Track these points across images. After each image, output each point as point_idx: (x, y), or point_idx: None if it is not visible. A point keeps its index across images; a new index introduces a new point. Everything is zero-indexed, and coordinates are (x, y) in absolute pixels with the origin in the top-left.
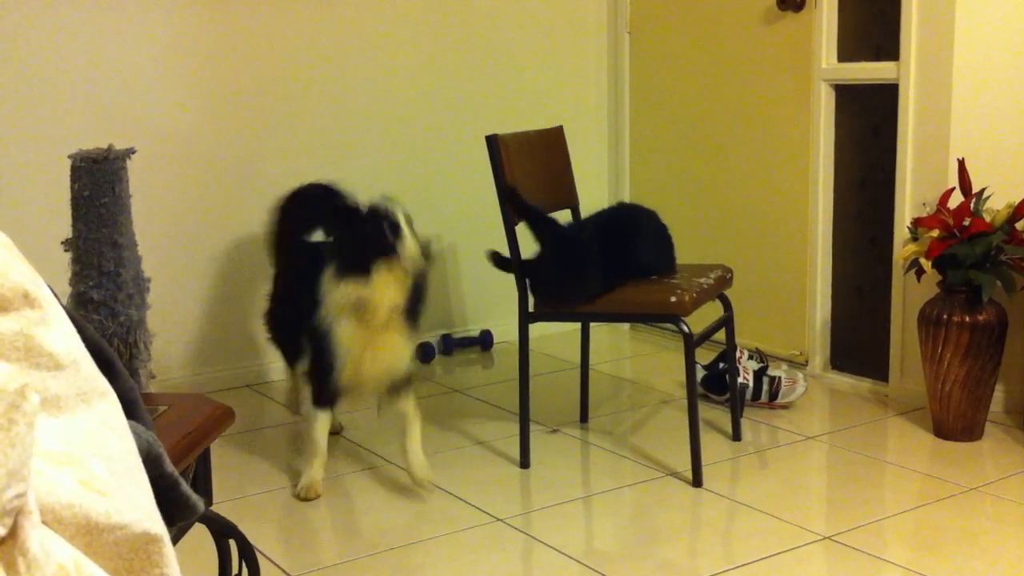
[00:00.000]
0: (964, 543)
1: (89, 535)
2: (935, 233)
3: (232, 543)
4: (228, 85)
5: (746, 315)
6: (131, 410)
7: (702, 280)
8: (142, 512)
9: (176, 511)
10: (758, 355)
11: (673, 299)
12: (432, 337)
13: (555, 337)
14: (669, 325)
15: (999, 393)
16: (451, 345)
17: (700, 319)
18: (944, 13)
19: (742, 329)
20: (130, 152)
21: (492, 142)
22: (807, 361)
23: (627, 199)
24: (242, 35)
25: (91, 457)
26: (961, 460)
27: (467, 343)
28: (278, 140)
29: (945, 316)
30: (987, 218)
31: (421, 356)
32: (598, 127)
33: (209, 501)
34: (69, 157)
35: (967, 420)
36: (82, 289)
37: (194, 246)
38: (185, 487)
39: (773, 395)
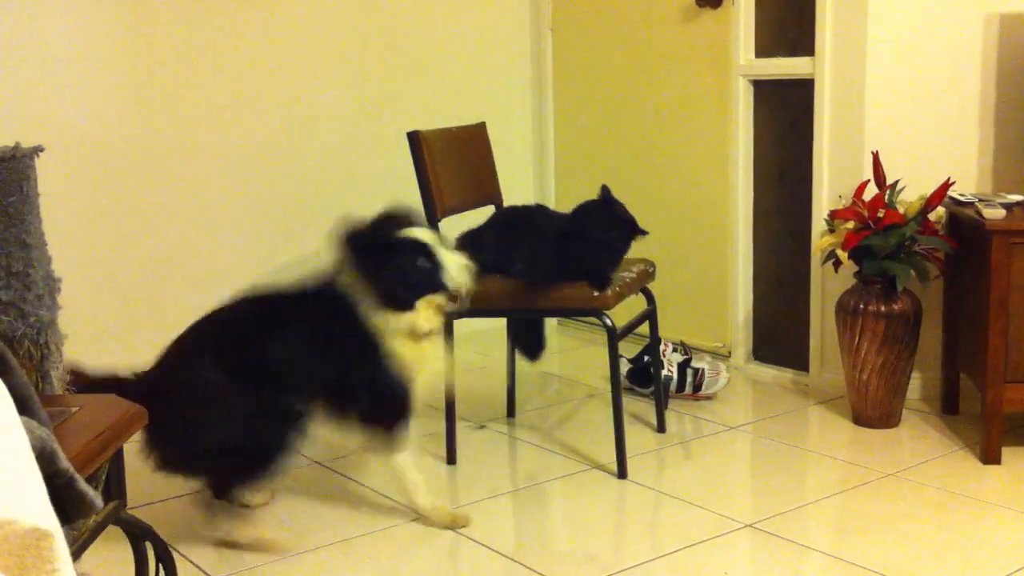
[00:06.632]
0: (883, 528)
1: None
2: (851, 225)
3: (149, 545)
4: (141, 82)
5: (669, 308)
6: (25, 406)
7: (625, 274)
8: (31, 508)
9: (72, 508)
10: (682, 348)
11: (596, 293)
12: None
13: (481, 333)
14: (593, 319)
15: (915, 380)
16: None
17: (624, 313)
18: (857, 9)
19: (666, 322)
20: (38, 150)
21: (414, 139)
22: (730, 353)
23: (552, 194)
24: (157, 31)
25: None
26: (879, 447)
27: None
28: (192, 138)
29: (861, 306)
30: (901, 209)
31: None
32: (522, 123)
33: (123, 503)
34: None
35: (884, 408)
36: None
37: (106, 245)
38: (82, 484)
39: (697, 387)
